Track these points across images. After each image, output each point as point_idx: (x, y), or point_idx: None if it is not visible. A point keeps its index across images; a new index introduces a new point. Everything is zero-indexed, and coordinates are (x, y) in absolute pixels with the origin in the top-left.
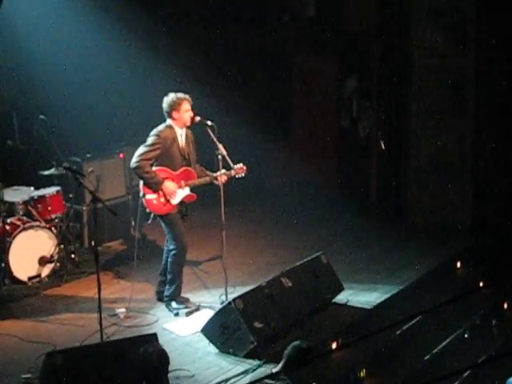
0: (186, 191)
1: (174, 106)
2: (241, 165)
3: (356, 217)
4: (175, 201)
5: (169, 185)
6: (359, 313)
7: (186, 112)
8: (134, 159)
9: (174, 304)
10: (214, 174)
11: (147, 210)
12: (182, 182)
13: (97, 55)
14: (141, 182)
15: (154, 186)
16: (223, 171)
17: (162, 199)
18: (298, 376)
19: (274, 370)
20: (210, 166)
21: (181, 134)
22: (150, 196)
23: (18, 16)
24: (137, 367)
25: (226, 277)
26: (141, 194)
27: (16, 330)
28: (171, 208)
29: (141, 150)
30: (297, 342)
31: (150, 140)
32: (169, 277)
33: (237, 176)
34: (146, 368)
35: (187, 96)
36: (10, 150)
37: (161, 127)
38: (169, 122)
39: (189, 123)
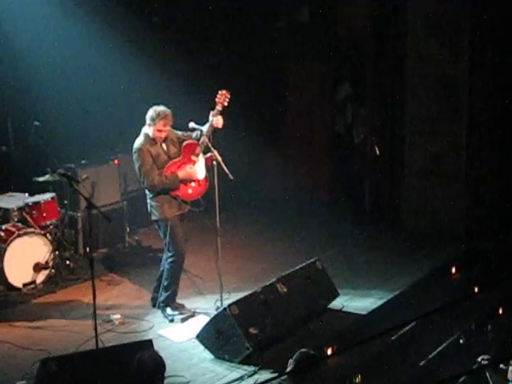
0: (201, 160)
1: (150, 120)
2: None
3: (350, 223)
4: (201, 175)
5: (183, 172)
6: (354, 318)
7: (157, 131)
8: (144, 184)
9: (168, 310)
10: (207, 125)
11: (185, 206)
12: (193, 157)
13: (92, 62)
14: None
15: (176, 184)
16: (212, 112)
17: (193, 184)
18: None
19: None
20: None
21: (160, 142)
22: (183, 191)
23: (12, 22)
24: (133, 373)
25: (221, 283)
26: (174, 196)
27: (11, 337)
28: (205, 182)
29: (140, 172)
30: (304, 349)
31: (136, 157)
32: (165, 283)
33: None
34: (143, 374)
35: (166, 114)
36: (5, 157)
37: (139, 140)
38: (147, 129)
39: (158, 140)
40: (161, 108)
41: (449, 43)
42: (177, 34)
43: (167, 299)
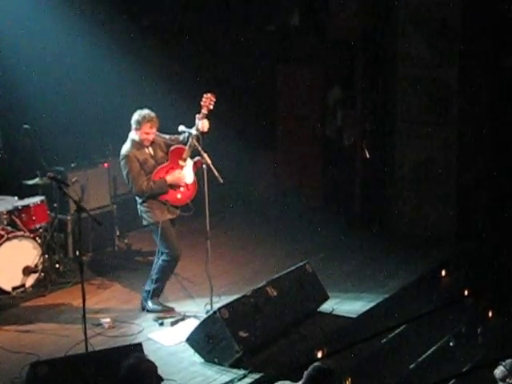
0: (189, 163)
1: (136, 124)
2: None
3: (341, 226)
4: (189, 179)
5: (171, 177)
6: (344, 322)
7: (144, 134)
8: (133, 190)
9: (150, 303)
10: (194, 129)
11: (174, 209)
12: (180, 162)
13: (82, 65)
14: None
15: (164, 189)
16: (198, 116)
17: (182, 188)
18: None
19: None
20: None
21: (147, 146)
22: (172, 196)
23: (1, 25)
24: (123, 377)
25: (211, 286)
26: (164, 200)
27: (0, 341)
28: (194, 187)
29: (128, 178)
30: (318, 363)
31: (124, 164)
32: (154, 276)
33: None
34: (134, 379)
35: (151, 116)
36: None
37: (126, 147)
38: (133, 135)
39: (146, 144)
40: (145, 111)
41: (439, 46)
42: (167, 38)
43: (153, 292)
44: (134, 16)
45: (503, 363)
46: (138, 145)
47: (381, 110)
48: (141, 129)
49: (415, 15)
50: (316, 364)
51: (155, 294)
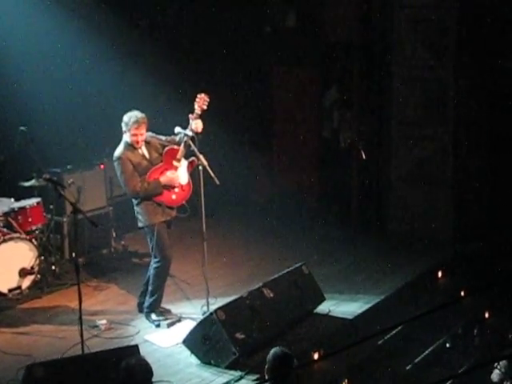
0: (184, 164)
1: (125, 126)
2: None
3: (337, 227)
4: (183, 180)
5: (165, 178)
6: (341, 323)
7: (133, 136)
8: (127, 191)
9: (153, 316)
10: (188, 130)
11: (170, 211)
12: (174, 162)
13: (78, 66)
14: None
15: (158, 190)
16: (191, 116)
17: (176, 189)
18: None
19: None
20: None
21: (140, 148)
22: (167, 197)
23: None
24: (119, 380)
25: (208, 288)
26: (159, 202)
27: None
28: (189, 187)
29: (121, 180)
30: (274, 350)
31: (117, 165)
32: (150, 288)
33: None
34: (130, 381)
35: (138, 117)
36: None
37: (119, 149)
38: (125, 137)
39: (137, 145)
40: (133, 112)
41: (435, 48)
42: (164, 40)
43: (152, 305)
44: (131, 18)
45: (498, 366)
46: (131, 146)
47: (377, 111)
48: (129, 131)
49: (411, 16)
50: (272, 351)
51: (156, 305)
